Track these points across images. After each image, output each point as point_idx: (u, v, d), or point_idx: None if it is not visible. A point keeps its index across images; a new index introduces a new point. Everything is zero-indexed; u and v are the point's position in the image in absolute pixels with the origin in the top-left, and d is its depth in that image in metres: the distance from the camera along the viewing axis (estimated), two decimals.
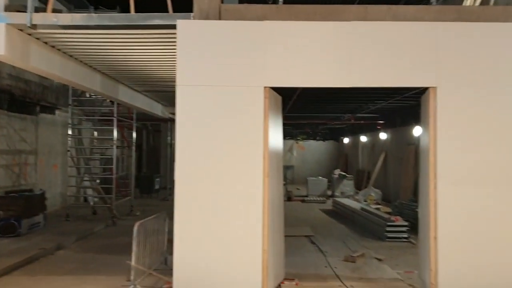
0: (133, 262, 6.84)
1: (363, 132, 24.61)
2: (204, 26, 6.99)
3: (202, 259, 6.76)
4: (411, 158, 16.56)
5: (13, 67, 12.10)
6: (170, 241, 7.23)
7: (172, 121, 18.88)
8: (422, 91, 7.38)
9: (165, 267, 8.08)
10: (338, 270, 8.34)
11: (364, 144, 25.18)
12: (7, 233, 10.85)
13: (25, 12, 7.01)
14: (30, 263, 8.84)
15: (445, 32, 6.94)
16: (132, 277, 6.85)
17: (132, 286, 6.83)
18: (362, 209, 14.21)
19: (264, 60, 6.94)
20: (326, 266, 8.64)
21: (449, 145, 6.87)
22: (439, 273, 6.73)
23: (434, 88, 6.94)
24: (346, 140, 30.10)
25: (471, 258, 6.75)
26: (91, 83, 10.25)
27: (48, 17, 7.15)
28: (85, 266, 8.75)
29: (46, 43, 8.03)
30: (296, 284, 7.36)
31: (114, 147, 14.69)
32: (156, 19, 7.12)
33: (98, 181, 15.59)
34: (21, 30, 7.27)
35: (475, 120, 6.92)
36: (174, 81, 7.05)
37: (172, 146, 19.82)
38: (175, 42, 7.12)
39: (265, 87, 6.95)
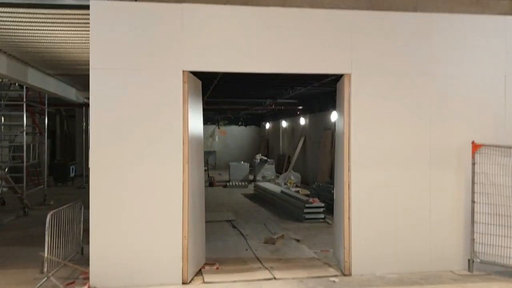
0: (46, 254, 6.52)
1: (284, 117, 25.19)
2: (119, 7, 6.74)
3: (120, 248, 6.62)
4: (328, 142, 17.26)
5: None
6: (87, 231, 6.99)
7: (87, 106, 18.07)
8: (339, 77, 7.69)
9: (82, 257, 7.80)
10: (258, 252, 8.54)
11: (285, 129, 25.80)
12: None
13: None
14: None
15: (359, 20, 7.26)
16: (45, 269, 6.55)
17: (45, 278, 6.52)
18: (282, 192, 14.61)
19: (181, 44, 6.84)
20: (247, 249, 8.80)
21: (361, 130, 7.25)
22: (352, 251, 7.14)
23: (349, 75, 7.26)
24: (267, 125, 30.64)
25: (382, 236, 7.23)
26: None
27: None
28: None
29: None
30: (217, 269, 7.44)
31: (24, 133, 13.81)
32: None
33: (6, 169, 14.57)
34: None
35: (384, 107, 7.35)
36: (89, 64, 6.76)
37: (87, 133, 18.98)
38: (89, 23, 6.80)
39: (183, 71, 6.87)
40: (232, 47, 7.01)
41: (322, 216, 11.87)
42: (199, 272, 7.21)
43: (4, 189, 14.62)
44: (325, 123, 18.07)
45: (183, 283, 6.68)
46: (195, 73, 7.22)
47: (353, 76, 7.25)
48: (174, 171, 6.77)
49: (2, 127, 15.60)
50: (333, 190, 9.10)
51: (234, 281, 6.80)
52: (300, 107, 21.00)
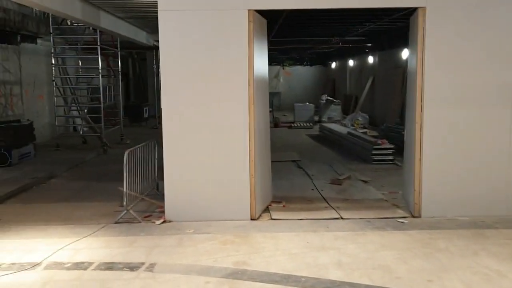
0: (125, 189, 7.01)
1: (351, 56, 24.35)
2: None
3: (192, 184, 6.95)
4: (398, 81, 16.58)
5: None
6: (161, 168, 7.38)
7: (157, 49, 18.45)
8: (411, 12, 7.24)
9: (157, 192, 8.31)
10: (324, 192, 8.62)
11: (352, 68, 25.02)
12: None
13: None
14: (24, 192, 9.03)
15: None
16: (124, 203, 7.06)
17: (125, 211, 7.04)
18: (349, 133, 14.43)
19: None
20: (312, 189, 8.92)
21: (435, 68, 6.87)
22: (422, 193, 7.01)
23: (423, 8, 6.81)
24: (333, 65, 29.84)
25: (455, 178, 7.00)
26: (71, 10, 9.90)
27: None
28: (78, 193, 8.97)
29: None
30: (283, 206, 7.64)
31: (100, 76, 14.47)
32: None
33: (86, 110, 15.51)
34: None
35: (462, 43, 6.87)
36: (157, 7, 6.84)
37: (158, 75, 19.53)
38: None
39: (249, 10, 6.77)
40: None
41: (390, 158, 11.65)
42: (266, 209, 7.45)
43: (85, 129, 15.65)
44: (395, 61, 17.28)
45: (251, 219, 6.96)
46: (260, 12, 7.10)
47: (428, 9, 6.79)
48: (240, 111, 6.87)
49: (80, 70, 16.47)
50: (403, 131, 8.84)
51: (301, 219, 6.97)
52: (369, 45, 20.13)
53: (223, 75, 6.85)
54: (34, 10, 14.81)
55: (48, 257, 5.60)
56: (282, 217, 7.11)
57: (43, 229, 6.73)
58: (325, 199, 8.11)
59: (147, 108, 21.83)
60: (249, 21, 6.79)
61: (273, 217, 7.10)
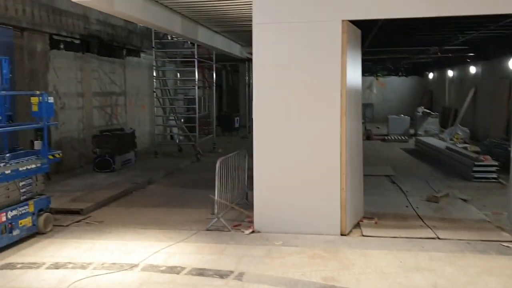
0: (216, 197, 7.21)
1: (451, 66, 23.05)
2: None
3: (281, 196, 6.96)
4: (504, 93, 15.36)
5: (100, 12, 12.61)
6: (250, 177, 7.49)
7: (249, 61, 18.92)
8: None
9: (246, 202, 8.44)
10: (419, 210, 8.19)
11: (452, 79, 23.66)
12: (103, 168, 11.84)
13: None
14: (125, 196, 9.65)
15: None
16: (215, 211, 7.25)
17: (215, 219, 7.24)
18: (448, 148, 13.62)
19: None
20: (407, 206, 8.51)
21: None
22: None
23: None
24: (431, 75, 28.45)
25: None
26: (172, 25, 10.47)
27: None
28: (173, 199, 9.40)
29: None
30: (375, 223, 7.37)
31: (196, 87, 15.13)
32: None
33: (182, 120, 16.30)
34: None
35: None
36: (251, 20, 7.02)
37: (250, 86, 19.98)
38: None
39: (342, 21, 6.69)
40: None
41: (494, 175, 10.78)
42: (357, 225, 7.24)
43: (181, 138, 16.42)
44: (501, 71, 16.05)
45: (341, 234, 6.79)
46: (354, 22, 6.99)
47: None
48: (332, 123, 6.77)
49: (178, 82, 17.36)
50: (509, 147, 8.16)
51: (394, 237, 6.67)
52: (471, 54, 18.93)
53: (315, 86, 6.82)
54: (138, 26, 15.93)
55: (145, 259, 5.91)
56: (373, 234, 6.86)
57: (141, 232, 7.13)
58: (420, 217, 7.70)
59: (238, 118, 22.41)
60: (342, 32, 6.71)
61: (364, 234, 6.88)
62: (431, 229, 7.01)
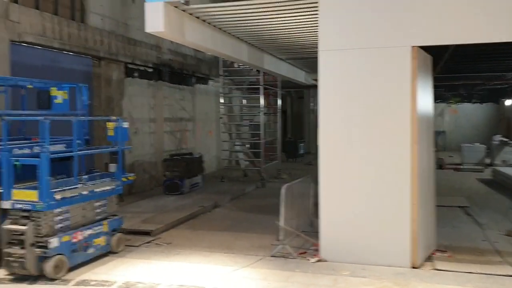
0: (281, 223, 7.18)
1: None
2: None
3: (348, 225, 6.81)
4: None
5: (172, 42, 13.25)
6: (316, 205, 7.40)
7: (314, 87, 18.93)
8: None
9: (311, 229, 8.31)
10: (498, 245, 7.66)
11: None
12: (173, 191, 12.21)
13: None
14: (192, 219, 9.86)
15: None
16: (281, 237, 7.21)
17: (281, 246, 7.19)
18: None
19: (411, 17, 6.53)
20: (483, 240, 7.98)
21: None
22: None
23: None
24: (508, 102, 26.92)
25: None
26: (239, 53, 10.76)
27: None
28: (238, 223, 9.47)
29: (198, 17, 8.60)
30: (449, 257, 6.98)
31: (261, 113, 15.33)
32: None
33: (248, 145, 16.53)
34: (176, 7, 7.87)
35: None
36: (316, 47, 7.06)
37: (314, 112, 19.97)
38: (316, 7, 7.10)
39: (412, 47, 6.56)
40: (469, 15, 6.34)
41: None
42: (429, 258, 6.88)
43: (246, 163, 16.62)
44: None
45: (412, 267, 6.48)
46: (424, 48, 6.82)
47: None
48: (401, 151, 6.58)
49: (244, 108, 17.71)
50: None
51: (470, 272, 6.27)
52: None
53: (383, 114, 6.68)
54: (206, 54, 16.53)
55: (211, 283, 5.96)
56: (447, 268, 6.49)
57: (208, 255, 7.22)
58: (499, 253, 7.19)
59: (302, 144, 22.35)
60: (412, 58, 6.56)
61: (436, 267, 6.52)
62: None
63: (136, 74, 13.12)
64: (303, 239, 7.73)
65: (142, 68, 13.34)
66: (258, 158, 15.30)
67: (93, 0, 11.49)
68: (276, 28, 9.44)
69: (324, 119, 6.99)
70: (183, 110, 15.74)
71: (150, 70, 13.71)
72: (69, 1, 10.96)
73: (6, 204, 6.23)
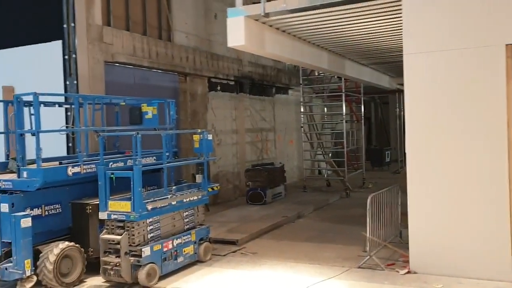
0: (368, 234, 6.97)
1: None
2: None
3: (440, 235, 6.44)
4: None
5: (252, 54, 13.50)
6: (404, 215, 7.10)
7: (400, 92, 18.29)
8: None
9: (400, 240, 7.99)
10: None
11: None
12: (256, 201, 12.35)
13: (259, 2, 7.68)
14: (276, 229, 9.88)
15: None
16: (367, 248, 7.00)
17: (368, 257, 6.97)
18: None
19: (505, 14, 6.07)
20: None
21: None
22: None
23: None
24: None
25: None
26: (319, 61, 10.69)
27: (278, 4, 7.69)
28: (323, 234, 9.33)
29: (277, 28, 8.67)
30: None
31: (344, 121, 15.07)
32: None
33: (330, 154, 16.31)
34: (256, 20, 8.01)
35: None
36: (401, 51, 6.82)
37: (401, 118, 19.23)
38: (399, 10, 6.87)
39: (507, 45, 6.09)
40: None
41: None
42: None
43: (329, 172, 16.40)
44: None
45: None
46: None
47: None
48: (497, 157, 6.12)
49: (325, 116, 17.54)
50: None
51: None
52: None
53: (475, 118, 6.26)
54: (286, 64, 16.64)
55: None
56: None
57: (293, 266, 7.19)
58: None
59: (389, 152, 21.58)
60: (507, 57, 6.10)
61: None
62: None
63: (218, 88, 13.52)
64: (391, 250, 7.44)
65: (224, 81, 13.73)
66: (342, 167, 15.01)
67: (178, 19, 12.06)
68: (358, 33, 9.26)
69: (412, 125, 6.70)
70: (264, 120, 15.93)
71: (232, 83, 14.07)
72: (157, 22, 11.60)
73: (103, 215, 6.66)
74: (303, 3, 7.55)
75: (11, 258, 6.29)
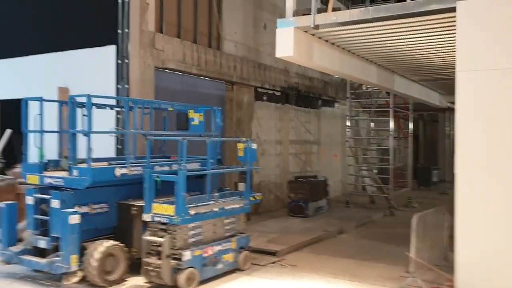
0: (412, 255, 6.74)
1: None
2: (487, 5, 6.26)
3: (489, 261, 6.13)
4: None
5: (299, 66, 13.49)
6: (451, 237, 6.82)
7: (450, 110, 17.75)
8: None
9: (445, 263, 7.68)
10: None
11: None
12: (297, 213, 12.26)
13: (309, 14, 7.67)
14: (316, 243, 9.74)
15: None
16: (411, 269, 6.76)
17: (411, 278, 6.73)
18: None
19: None
20: None
21: None
22: None
23: None
24: None
25: None
26: (368, 75, 10.53)
27: (328, 17, 7.65)
28: (364, 251, 9.11)
29: (326, 41, 8.62)
30: None
31: (391, 137, 14.77)
32: (433, 4, 6.73)
33: (375, 171, 15.98)
34: (305, 31, 7.99)
35: None
36: (453, 68, 6.61)
37: (451, 137, 18.63)
38: (453, 26, 6.68)
39: None
40: None
41: None
42: None
43: (373, 189, 16.05)
44: None
45: None
46: None
47: None
48: None
49: (371, 131, 17.23)
50: None
51: None
52: None
53: None
54: (333, 77, 16.50)
55: None
56: None
57: (332, 281, 7.06)
58: None
59: (436, 171, 20.91)
60: None
61: None
62: None
63: (264, 98, 13.57)
64: (436, 273, 7.16)
65: (270, 91, 13.77)
66: (387, 185, 14.66)
67: (228, 28, 12.24)
68: (409, 48, 9.07)
69: (462, 145, 6.43)
70: (308, 132, 15.83)
71: (278, 93, 14.08)
72: (207, 30, 11.81)
73: (147, 217, 6.79)
74: (354, 16, 7.48)
75: (58, 252, 6.52)
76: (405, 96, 14.49)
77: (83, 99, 7.01)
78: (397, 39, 8.46)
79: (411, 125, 16.90)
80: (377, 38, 8.39)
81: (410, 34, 8.08)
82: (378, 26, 7.66)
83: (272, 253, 8.44)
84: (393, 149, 14.99)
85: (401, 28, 7.73)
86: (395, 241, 9.59)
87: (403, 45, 8.85)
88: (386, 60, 10.34)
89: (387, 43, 8.77)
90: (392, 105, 14.67)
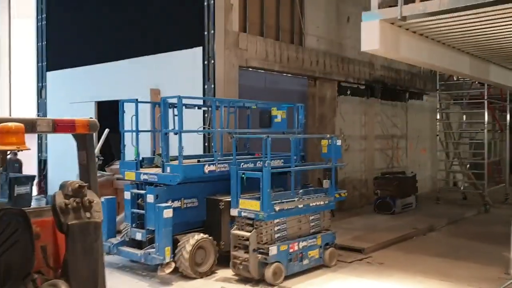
0: (511, 255, 6.32)
1: None
2: None
3: None
4: None
5: (385, 58, 13.07)
6: None
7: None
8: None
9: None
10: None
11: None
12: (384, 210, 11.95)
13: (396, 6, 7.42)
14: (404, 241, 9.44)
15: None
16: (510, 270, 6.35)
17: (510, 281, 6.32)
18: None
19: None
20: None
21: None
22: None
23: None
24: None
25: None
26: (459, 66, 9.96)
27: (416, 7, 7.33)
28: (456, 250, 8.68)
29: (414, 32, 8.29)
30: None
31: (485, 130, 13.87)
32: None
33: (468, 166, 15.11)
34: (391, 23, 7.74)
35: None
36: None
37: None
38: None
39: None
40: None
41: None
42: None
43: (466, 185, 15.18)
44: None
45: None
46: None
47: None
48: None
49: (464, 124, 16.30)
50: None
51: None
52: None
53: None
54: (421, 69, 15.79)
55: None
56: None
57: (422, 281, 6.83)
58: None
59: None
60: None
61: None
62: None
63: (348, 92, 13.35)
64: None
65: (354, 85, 13.51)
66: (481, 180, 13.79)
67: (310, 23, 12.18)
68: (505, 35, 8.45)
69: None
70: (395, 127, 15.31)
71: (362, 87, 13.78)
72: (289, 26, 11.85)
73: (234, 212, 7.02)
74: (445, 5, 7.09)
75: (153, 244, 6.95)
76: (501, 87, 13.50)
77: (174, 100, 7.39)
78: (493, 27, 7.90)
79: (508, 117, 15.73)
80: (471, 26, 7.90)
81: (507, 20, 7.53)
82: (471, 14, 7.23)
83: (359, 251, 8.33)
84: (488, 143, 14.05)
85: (496, 14, 7.22)
86: (490, 240, 9.02)
87: (499, 32, 8.24)
88: (481, 49, 9.69)
89: (481, 31, 8.22)
90: (486, 96, 13.75)
